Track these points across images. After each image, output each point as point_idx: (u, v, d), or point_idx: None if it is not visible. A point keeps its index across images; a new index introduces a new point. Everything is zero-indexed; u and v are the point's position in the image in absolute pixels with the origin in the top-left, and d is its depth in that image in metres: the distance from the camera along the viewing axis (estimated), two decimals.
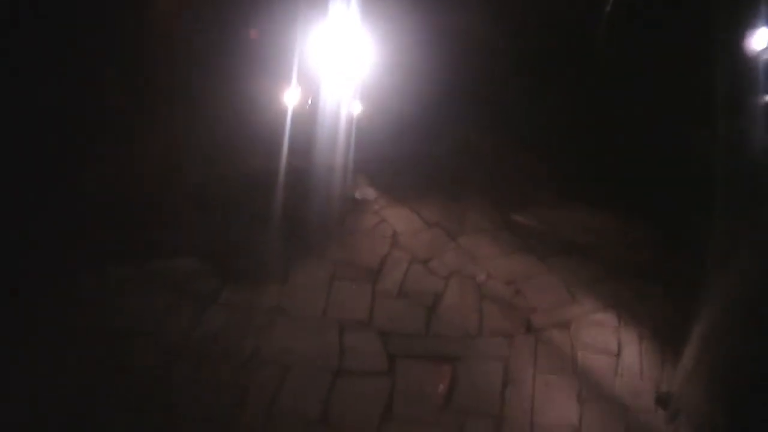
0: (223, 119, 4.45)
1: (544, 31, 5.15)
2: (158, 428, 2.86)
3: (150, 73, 4.28)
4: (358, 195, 4.51)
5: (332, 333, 3.41)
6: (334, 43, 4.31)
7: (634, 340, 3.58)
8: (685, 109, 4.44)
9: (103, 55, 4.13)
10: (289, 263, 3.86)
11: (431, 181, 4.83)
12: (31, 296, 3.40)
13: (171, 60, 4.29)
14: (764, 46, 3.07)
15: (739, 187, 2.92)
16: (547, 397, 3.19)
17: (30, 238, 3.70)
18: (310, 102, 4.39)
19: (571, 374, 3.33)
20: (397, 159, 4.97)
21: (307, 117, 4.47)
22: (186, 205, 4.22)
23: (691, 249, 4.05)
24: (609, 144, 4.84)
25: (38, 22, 4.03)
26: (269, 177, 4.46)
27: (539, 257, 4.15)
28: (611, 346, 3.54)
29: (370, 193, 4.57)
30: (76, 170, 4.00)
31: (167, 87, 4.30)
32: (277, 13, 4.20)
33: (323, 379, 3.15)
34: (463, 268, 3.98)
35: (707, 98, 3.20)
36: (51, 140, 3.99)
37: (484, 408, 3.09)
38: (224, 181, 4.47)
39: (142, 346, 3.23)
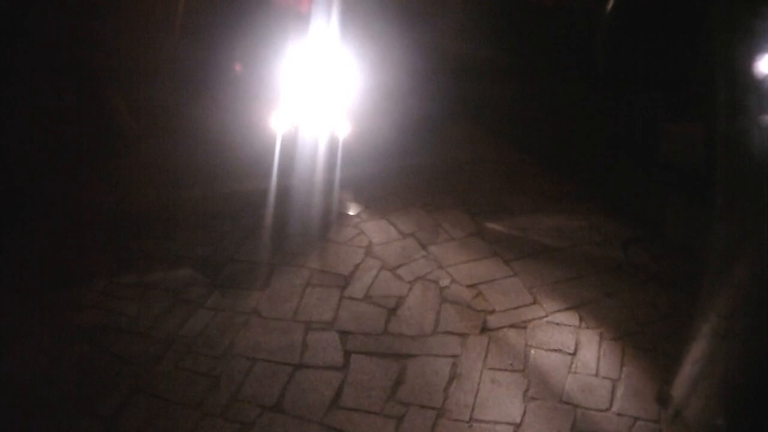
0: (218, 142, 4.97)
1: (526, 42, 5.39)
2: (145, 409, 3.22)
3: (150, 97, 4.86)
4: (340, 210, 4.85)
5: (298, 332, 3.73)
6: (318, 67, 4.75)
7: (594, 340, 3.70)
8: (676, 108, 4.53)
9: (108, 77, 4.77)
10: (272, 272, 4.24)
11: (412, 195, 5.15)
12: (38, 300, 3.91)
13: (169, 84, 4.87)
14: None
15: (740, 188, 2.93)
16: (492, 394, 3.35)
17: (40, 248, 4.29)
18: (296, 124, 4.82)
19: (520, 372, 3.48)
20: (380, 175, 5.34)
21: (295, 139, 4.91)
22: (184, 221, 4.72)
23: (670, 246, 4.18)
24: (593, 147, 4.99)
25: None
26: (260, 195, 4.94)
27: (505, 261, 4.34)
28: (568, 345, 3.67)
29: (352, 207, 4.92)
30: (85, 186, 4.62)
31: (167, 110, 4.88)
32: (263, 39, 4.68)
33: (284, 372, 3.46)
34: (429, 274, 4.23)
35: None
36: (64, 155, 4.63)
37: (427, 401, 3.29)
38: (220, 199, 4.95)
39: (137, 341, 3.66)
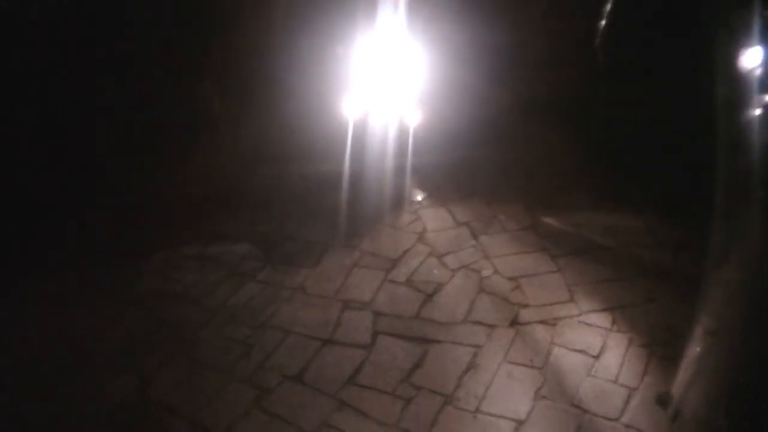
0: (292, 126, 5.33)
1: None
2: (180, 371, 3.65)
3: (234, 83, 5.31)
4: (403, 196, 5.00)
5: (335, 310, 3.99)
6: (391, 56, 4.89)
7: (622, 344, 3.54)
8: None
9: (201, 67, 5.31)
10: (325, 252, 4.53)
11: (474, 186, 5.15)
12: (105, 269, 4.51)
13: (250, 74, 5.28)
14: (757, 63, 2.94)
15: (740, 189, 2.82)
16: (504, 388, 3.37)
17: (116, 224, 4.93)
18: (368, 111, 5.01)
19: (538, 369, 3.44)
20: (446, 165, 5.37)
21: (366, 125, 5.11)
22: (253, 200, 5.17)
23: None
24: (658, 147, 4.66)
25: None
26: (329, 178, 5.22)
27: (552, 256, 4.24)
28: (594, 346, 3.55)
29: (415, 194, 5.05)
30: (168, 166, 5.23)
31: (247, 96, 5.30)
32: (337, 26, 4.90)
33: (312, 346, 3.75)
34: (474, 263, 4.26)
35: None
36: (152, 136, 5.26)
37: (439, 387, 3.39)
38: (290, 180, 5.34)
39: (186, 308, 4.13)
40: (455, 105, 5.31)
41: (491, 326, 3.76)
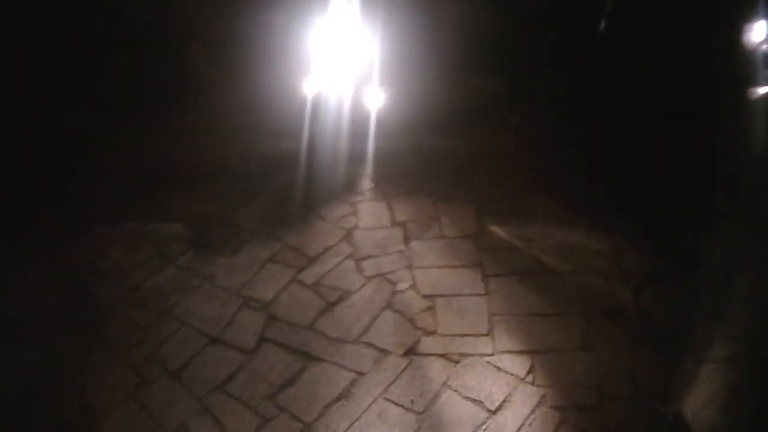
0: (257, 98, 4.94)
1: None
2: (84, 346, 3.50)
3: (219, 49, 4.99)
4: (348, 185, 4.49)
5: (233, 307, 3.67)
6: (356, 36, 4.37)
7: (530, 401, 2.98)
8: None
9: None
10: (247, 241, 4.17)
11: (427, 179, 4.56)
12: (51, 235, 4.34)
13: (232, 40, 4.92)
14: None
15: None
16: (369, 428, 2.92)
17: (74, 188, 4.75)
18: (329, 92, 4.52)
19: (417, 414, 2.96)
20: (405, 152, 4.80)
21: (327, 105, 4.64)
22: (204, 175, 4.81)
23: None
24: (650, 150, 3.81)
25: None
26: (283, 158, 4.81)
27: (484, 275, 3.66)
28: (494, 398, 3.01)
29: (361, 183, 4.52)
30: (143, 131, 5.02)
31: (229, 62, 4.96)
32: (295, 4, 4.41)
33: (200, 342, 3.48)
34: (392, 273, 3.76)
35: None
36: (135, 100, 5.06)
37: (301, 413, 3.02)
38: (246, 156, 4.93)
39: (109, 285, 3.93)
40: (422, 89, 4.72)
41: (383, 351, 3.29)
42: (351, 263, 3.89)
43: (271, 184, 4.70)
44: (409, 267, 3.79)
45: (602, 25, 4.42)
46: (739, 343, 2.64)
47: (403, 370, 3.17)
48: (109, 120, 5.13)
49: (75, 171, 4.95)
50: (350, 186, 4.60)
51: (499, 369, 3.14)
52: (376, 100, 4.74)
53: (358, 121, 4.80)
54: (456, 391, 3.06)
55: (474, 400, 3.00)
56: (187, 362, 3.37)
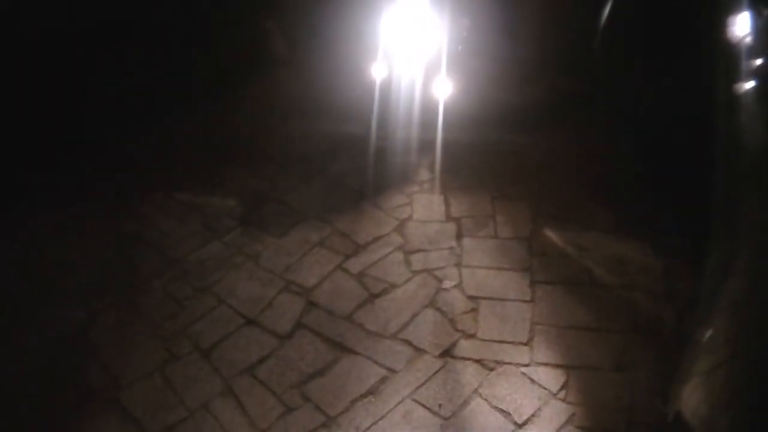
0: (329, 81, 4.91)
1: None
2: (118, 316, 3.55)
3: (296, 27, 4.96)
4: (408, 174, 4.33)
5: (273, 289, 3.62)
6: (425, 21, 4.20)
7: (558, 419, 2.76)
8: None
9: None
10: (298, 222, 4.10)
11: (488, 175, 4.33)
12: (104, 205, 4.46)
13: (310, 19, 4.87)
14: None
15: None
16: (392, 429, 2.80)
17: (137, 157, 4.88)
18: (400, 78, 4.37)
19: (442, 419, 2.81)
20: (468, 145, 4.56)
21: (396, 92, 4.51)
22: (257, 153, 4.81)
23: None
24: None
25: None
26: (345, 141, 4.75)
27: (532, 282, 3.42)
28: (523, 412, 2.81)
29: (420, 173, 4.34)
30: (209, 106, 5.10)
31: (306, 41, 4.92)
32: None
33: (235, 322, 3.44)
34: (439, 270, 3.59)
35: None
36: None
37: (326, 406, 2.92)
38: (308, 137, 4.86)
39: (153, 256, 3.98)
40: (493, 82, 4.51)
41: (418, 350, 3.14)
42: (399, 255, 3.75)
43: (329, 167, 4.62)
44: (458, 265, 3.62)
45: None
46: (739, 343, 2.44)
47: (436, 372, 3.02)
48: (178, 87, 5.22)
49: (138, 137, 5.07)
50: (409, 175, 4.44)
51: (533, 381, 2.94)
52: (444, 90, 4.54)
53: (424, 109, 4.63)
54: (486, 399, 2.88)
55: (502, 411, 2.82)
56: (218, 341, 3.35)
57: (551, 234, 3.77)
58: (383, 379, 3.03)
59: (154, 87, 5.13)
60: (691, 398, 2.66)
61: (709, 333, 2.64)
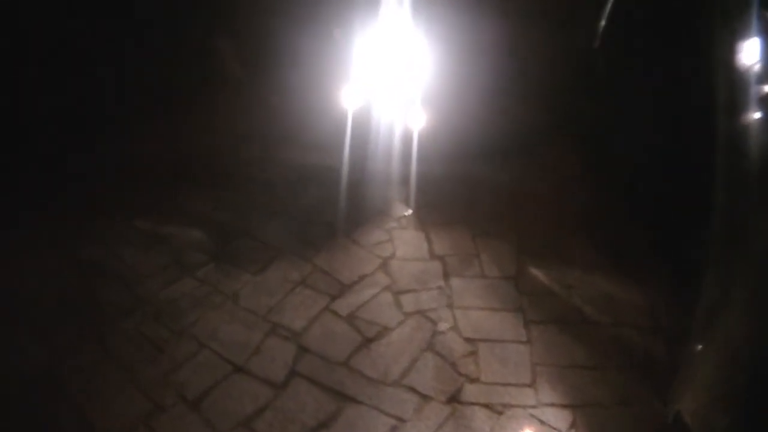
0: (292, 103, 4.79)
1: None
2: (87, 355, 3.24)
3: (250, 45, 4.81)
4: (384, 208, 4.32)
5: (260, 333, 3.43)
6: (399, 50, 4.21)
7: None
8: None
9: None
10: (275, 258, 3.95)
11: (467, 211, 4.42)
12: (62, 226, 4.13)
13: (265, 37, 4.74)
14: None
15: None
16: None
17: (96, 179, 4.52)
18: (371, 106, 4.36)
19: None
20: (445, 179, 4.67)
21: (367, 121, 4.47)
22: (228, 179, 4.63)
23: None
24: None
25: None
26: (314, 171, 4.68)
27: (526, 322, 3.51)
28: None
29: (397, 208, 4.35)
30: (166, 126, 4.82)
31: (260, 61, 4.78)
32: (338, 16, 4.25)
33: (222, 370, 3.22)
34: (432, 311, 3.58)
35: None
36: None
37: None
38: (274, 164, 4.76)
39: (119, 289, 3.68)
40: (465, 111, 4.57)
41: (425, 397, 3.10)
42: (389, 296, 3.70)
43: (299, 199, 4.51)
44: (450, 306, 3.62)
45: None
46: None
47: (446, 419, 3.00)
48: (128, 105, 4.90)
49: (88, 155, 4.71)
50: (385, 210, 4.42)
51: (542, 422, 3.00)
52: (417, 121, 4.53)
53: (397, 141, 4.62)
54: None
55: None
56: (206, 391, 3.11)
57: (537, 272, 3.88)
58: (393, 429, 2.96)
59: (104, 104, 4.78)
60: (692, 398, 2.78)
61: (706, 332, 2.75)
